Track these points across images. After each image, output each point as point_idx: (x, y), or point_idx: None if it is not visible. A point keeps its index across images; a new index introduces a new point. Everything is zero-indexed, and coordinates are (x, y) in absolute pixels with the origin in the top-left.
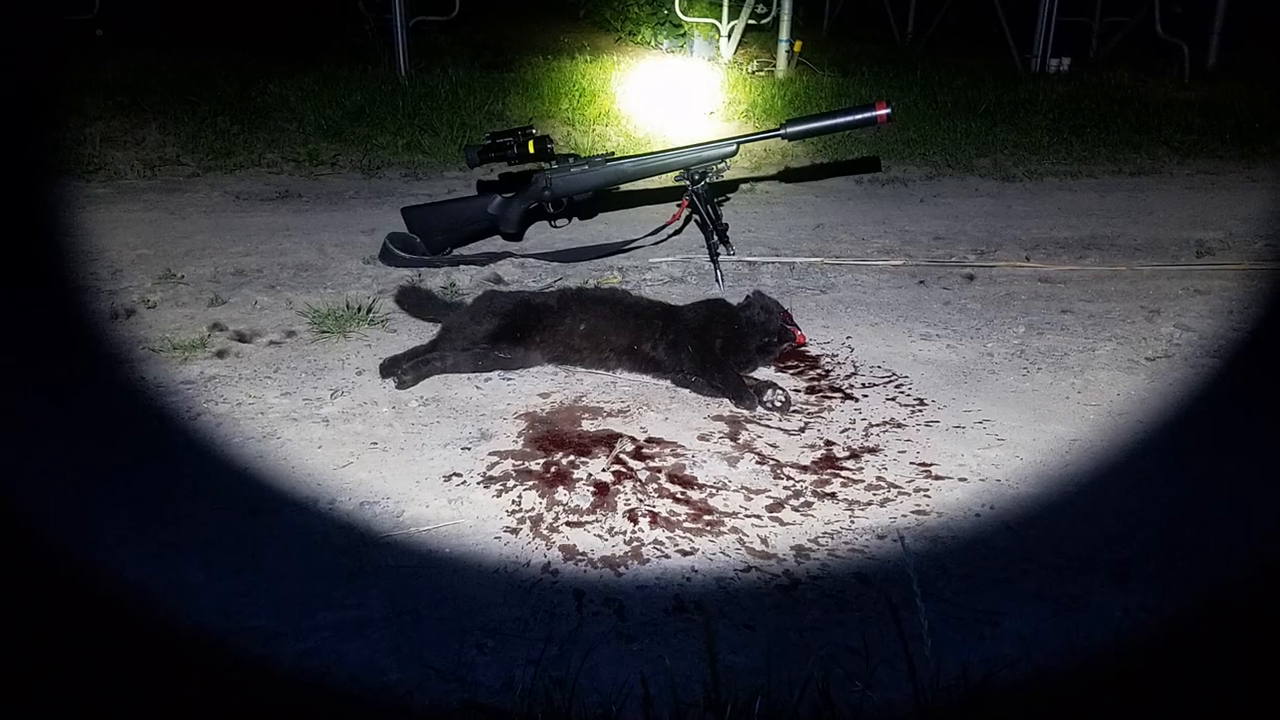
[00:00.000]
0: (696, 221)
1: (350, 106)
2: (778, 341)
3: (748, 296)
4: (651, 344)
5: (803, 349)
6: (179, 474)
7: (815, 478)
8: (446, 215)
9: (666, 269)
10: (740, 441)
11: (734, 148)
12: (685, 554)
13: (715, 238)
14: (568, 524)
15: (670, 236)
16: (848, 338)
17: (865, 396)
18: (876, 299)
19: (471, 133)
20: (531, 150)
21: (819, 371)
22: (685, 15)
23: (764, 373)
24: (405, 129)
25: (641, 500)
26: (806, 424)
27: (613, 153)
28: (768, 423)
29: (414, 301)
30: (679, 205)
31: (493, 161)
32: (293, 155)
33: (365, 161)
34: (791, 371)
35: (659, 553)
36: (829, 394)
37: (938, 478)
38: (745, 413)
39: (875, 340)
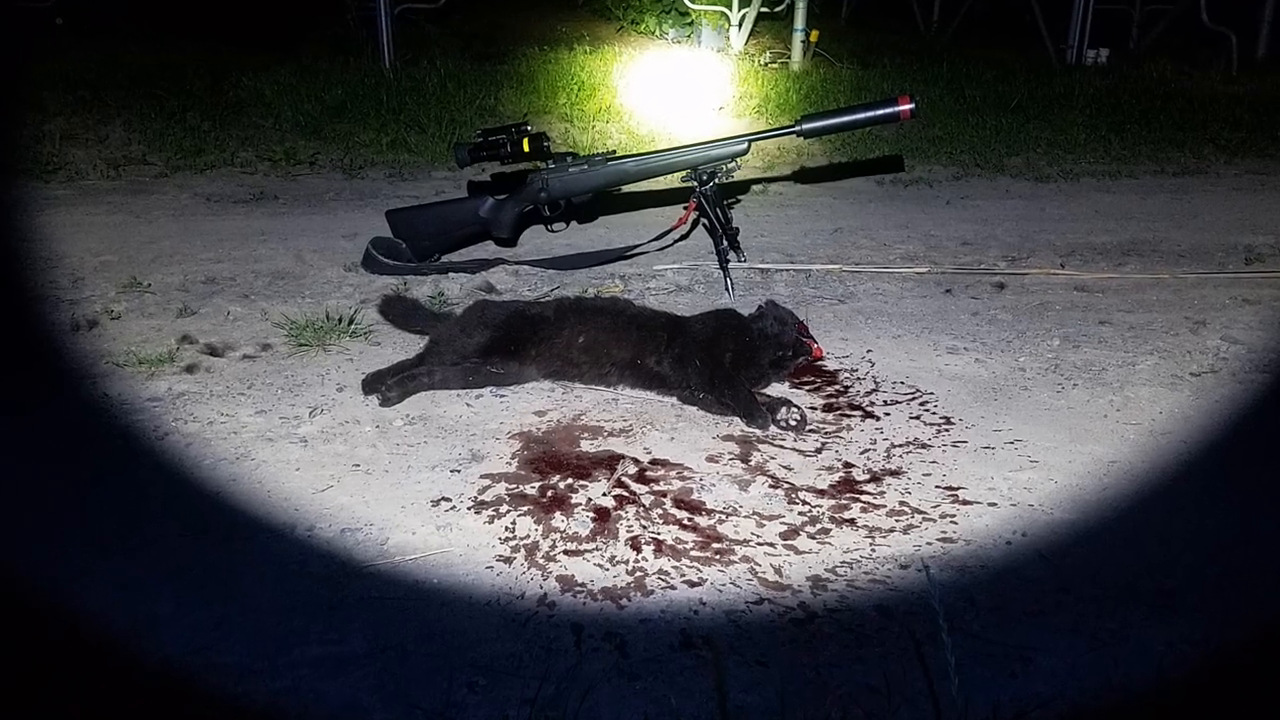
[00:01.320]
0: (705, 225)
1: (330, 101)
2: (792, 355)
3: (760, 307)
4: (656, 358)
5: (820, 363)
6: (145, 498)
7: (833, 502)
8: (434, 219)
9: (672, 277)
10: (752, 463)
11: (745, 146)
12: (692, 585)
13: (725, 243)
14: (565, 552)
15: (676, 242)
16: (868, 351)
17: (887, 415)
18: (899, 309)
19: (461, 130)
20: (526, 149)
21: (837, 388)
22: (693, 3)
23: (778, 389)
24: (390, 126)
25: (645, 527)
26: (823, 444)
27: (614, 151)
28: (782, 443)
29: (399, 312)
30: (686, 208)
31: (484, 161)
32: (268, 154)
33: (346, 161)
34: (807, 388)
35: (664, 583)
36: (848, 412)
37: (965, 502)
38: (757, 432)
39: (898, 354)
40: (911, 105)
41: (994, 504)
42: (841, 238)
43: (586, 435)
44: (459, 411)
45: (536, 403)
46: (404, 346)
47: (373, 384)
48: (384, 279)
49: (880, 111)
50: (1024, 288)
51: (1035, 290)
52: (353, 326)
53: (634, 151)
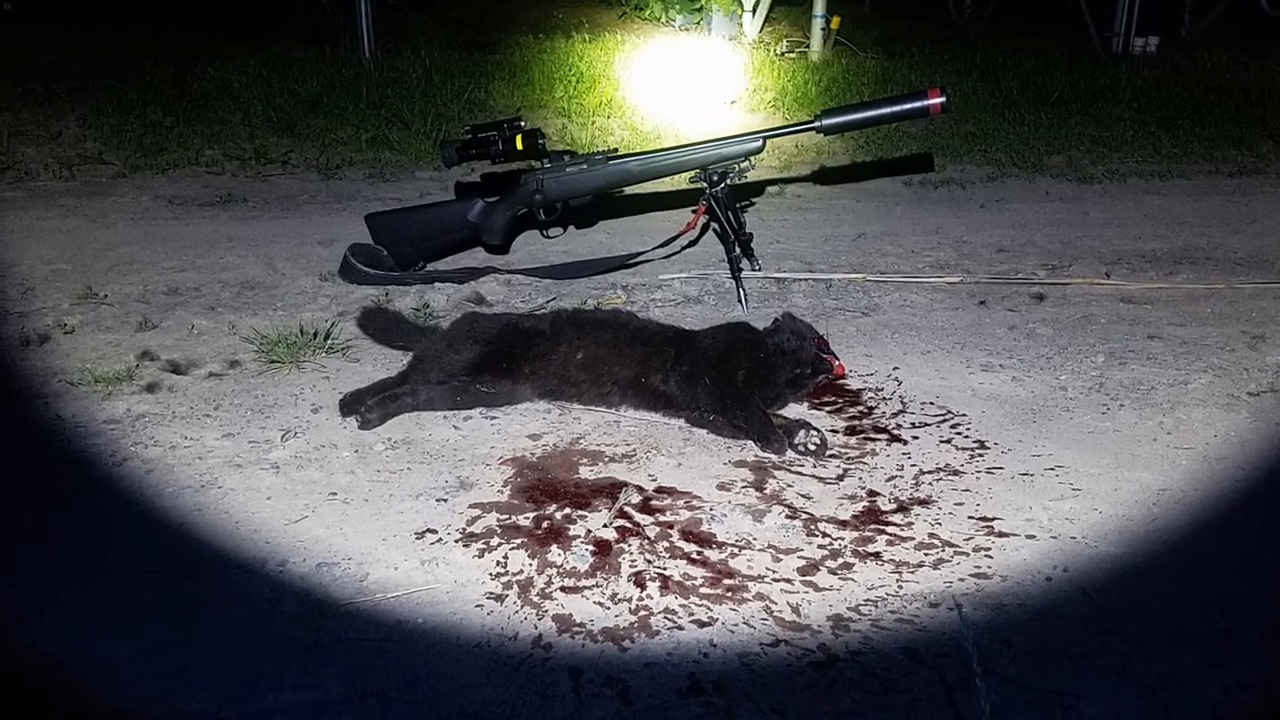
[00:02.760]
0: (715, 231)
1: (305, 95)
2: (811, 373)
3: (776, 320)
4: (662, 376)
5: (841, 382)
6: (102, 529)
7: (856, 535)
8: (419, 223)
9: (680, 287)
10: (767, 492)
11: (760, 143)
12: (702, 625)
13: (737, 250)
14: (563, 589)
15: (684, 249)
16: (894, 369)
17: (915, 438)
18: (929, 323)
19: (448, 126)
20: (520, 146)
21: (860, 409)
22: None
23: (795, 410)
24: (370, 121)
25: (650, 561)
26: (845, 471)
27: (616, 149)
28: (800, 469)
29: (380, 325)
30: (694, 212)
31: (474, 160)
32: (236, 152)
33: (322, 160)
34: (828, 409)
35: (671, 623)
36: (872, 435)
37: (1001, 535)
38: (773, 457)
39: (927, 371)
40: (942, 99)
41: (1032, 536)
42: (865, 244)
43: (586, 461)
44: (446, 435)
45: (531, 425)
46: (385, 363)
47: (351, 405)
48: (364, 289)
49: (908, 105)
50: (1065, 299)
51: (1078, 302)
52: (329, 341)
53: (638, 150)
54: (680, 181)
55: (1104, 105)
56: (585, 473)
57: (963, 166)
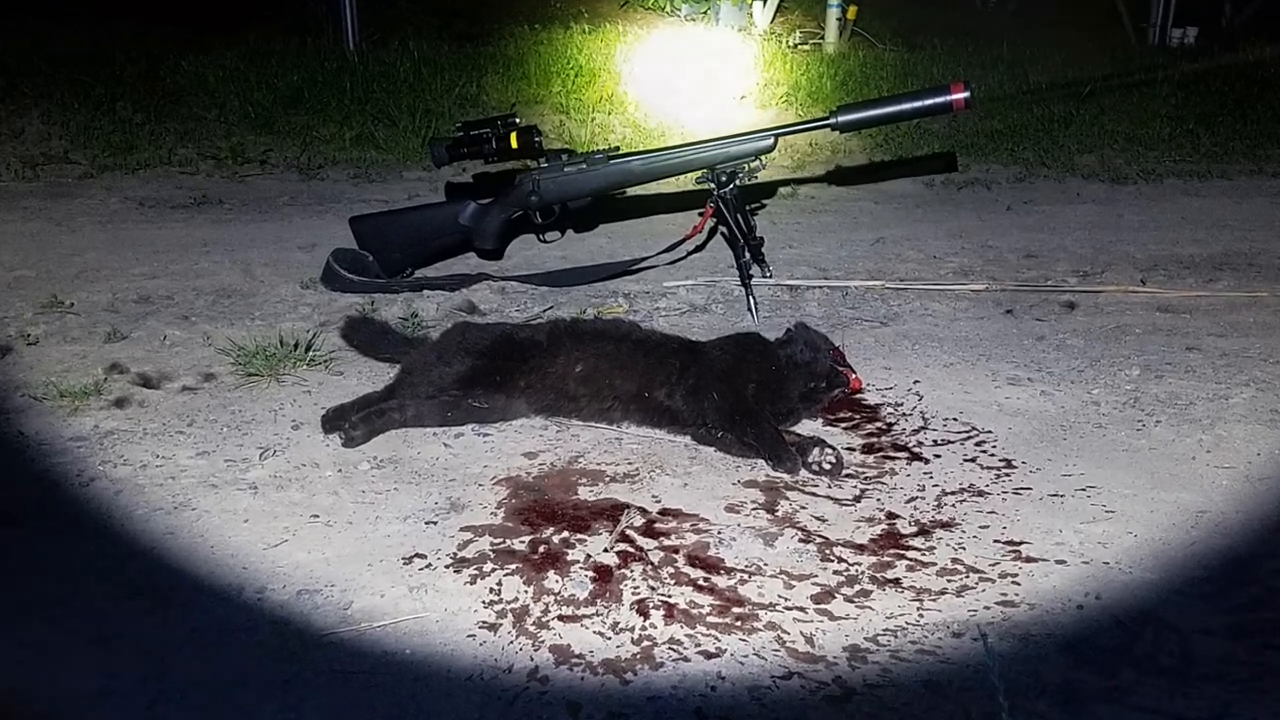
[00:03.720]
0: (723, 235)
1: (285, 90)
2: (826, 387)
3: (789, 330)
4: (667, 390)
5: (859, 397)
6: (68, 554)
7: (874, 560)
8: (407, 227)
9: (686, 295)
10: (779, 514)
11: (771, 141)
12: (709, 656)
13: (747, 255)
14: (560, 618)
15: (690, 254)
16: (915, 382)
17: (937, 457)
18: (952, 333)
19: (438, 123)
20: (514, 145)
21: (879, 425)
22: None
23: (809, 426)
24: (355, 118)
25: (654, 588)
26: (863, 492)
27: (617, 148)
28: (814, 490)
29: (365, 336)
30: (701, 214)
31: (465, 159)
32: (212, 151)
33: (304, 159)
34: (844, 425)
35: (676, 654)
36: (891, 453)
37: (1029, 559)
38: (785, 477)
39: (950, 385)
40: (966, 94)
41: (1062, 561)
42: (884, 249)
43: (585, 481)
44: (435, 453)
45: (526, 443)
46: (371, 377)
47: (334, 421)
48: (347, 298)
49: (930, 101)
50: (1098, 308)
51: (1111, 311)
52: (311, 353)
53: (640, 148)
54: (686, 182)
55: (1139, 100)
56: (585, 493)
57: (988, 166)
